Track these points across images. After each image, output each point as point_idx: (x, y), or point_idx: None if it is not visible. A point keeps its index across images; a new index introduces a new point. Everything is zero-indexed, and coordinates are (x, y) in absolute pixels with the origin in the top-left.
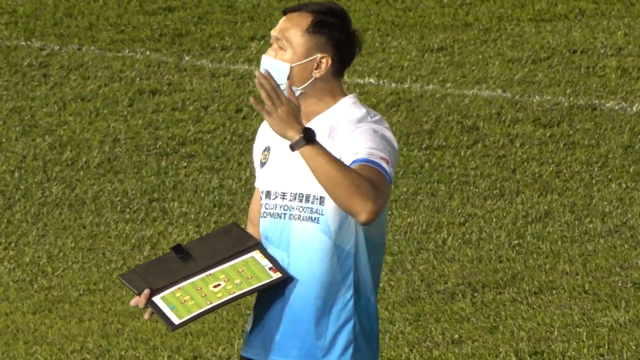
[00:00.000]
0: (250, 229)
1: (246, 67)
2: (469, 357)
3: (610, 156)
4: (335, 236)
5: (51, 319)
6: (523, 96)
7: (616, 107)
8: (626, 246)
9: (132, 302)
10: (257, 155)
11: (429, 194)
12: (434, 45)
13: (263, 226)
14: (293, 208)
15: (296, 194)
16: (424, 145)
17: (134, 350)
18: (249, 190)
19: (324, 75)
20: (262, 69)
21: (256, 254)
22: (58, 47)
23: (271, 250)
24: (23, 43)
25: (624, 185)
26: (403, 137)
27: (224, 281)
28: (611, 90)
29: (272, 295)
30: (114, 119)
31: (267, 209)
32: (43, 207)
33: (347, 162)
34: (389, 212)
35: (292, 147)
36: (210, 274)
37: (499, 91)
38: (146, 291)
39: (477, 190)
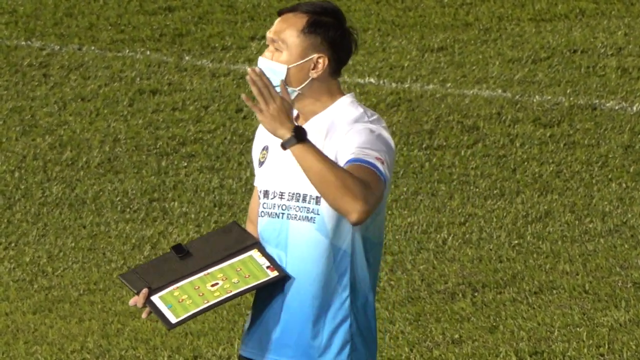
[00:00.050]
0: (249, 228)
1: (246, 67)
2: (469, 357)
3: (610, 156)
4: (331, 236)
5: (51, 319)
6: (523, 96)
7: (616, 107)
8: (626, 246)
9: (131, 302)
10: (255, 154)
11: (429, 193)
12: (434, 45)
13: (261, 225)
14: (290, 208)
15: (294, 194)
16: (424, 145)
17: (134, 350)
18: (249, 190)
19: (321, 75)
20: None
21: (254, 253)
22: (58, 47)
23: (269, 249)
24: (23, 43)
25: (624, 185)
26: (403, 137)
27: (222, 280)
28: (611, 90)
29: (269, 294)
30: (114, 118)
31: (265, 208)
32: (43, 207)
33: (342, 161)
34: (389, 212)
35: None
36: (208, 273)
37: (499, 91)
38: (144, 290)
39: (477, 190)
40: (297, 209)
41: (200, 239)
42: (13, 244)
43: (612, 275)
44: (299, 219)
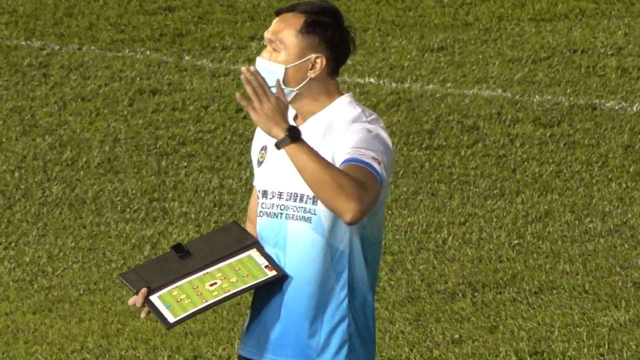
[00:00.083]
0: (249, 228)
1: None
2: (469, 357)
3: (610, 156)
4: (328, 235)
5: (51, 319)
6: (523, 96)
7: (616, 107)
8: (626, 246)
9: (130, 301)
10: (254, 154)
11: (429, 193)
12: (434, 45)
13: (260, 225)
14: (289, 208)
15: (291, 194)
16: (424, 145)
17: (134, 350)
18: (249, 190)
19: (319, 75)
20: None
21: (253, 252)
22: (58, 47)
23: (268, 249)
24: (23, 43)
25: (624, 185)
26: (403, 137)
27: (221, 279)
28: (611, 90)
29: (268, 293)
30: (114, 118)
31: (263, 208)
32: (43, 207)
33: (339, 161)
34: (390, 212)
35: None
36: (207, 273)
37: (499, 91)
38: (143, 290)
39: (477, 190)
40: (295, 208)
41: (200, 238)
42: (13, 244)
43: (612, 275)
44: (297, 219)
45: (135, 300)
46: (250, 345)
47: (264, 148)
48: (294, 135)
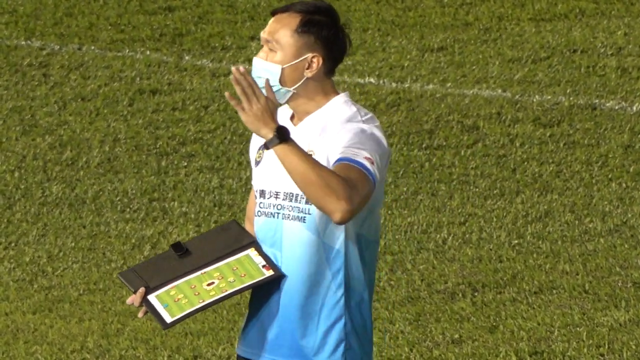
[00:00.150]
0: (248, 227)
1: (247, 67)
2: (469, 357)
3: (610, 156)
4: (323, 235)
5: (51, 319)
6: (523, 96)
7: (616, 107)
8: (626, 246)
9: (128, 301)
10: (252, 154)
11: (429, 193)
12: (434, 45)
13: (258, 225)
14: (284, 207)
15: (287, 194)
16: (424, 145)
17: (134, 350)
18: (249, 190)
19: (316, 74)
20: (253, 72)
21: (251, 252)
22: (58, 47)
23: (265, 249)
24: (23, 43)
25: (624, 184)
26: (403, 137)
27: (218, 279)
28: (611, 90)
29: (265, 293)
30: (114, 118)
31: (261, 207)
32: (43, 207)
33: (332, 160)
34: (389, 212)
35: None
36: (205, 272)
37: (499, 91)
38: (141, 289)
39: (477, 190)
40: (290, 208)
41: (199, 237)
42: (13, 244)
43: (612, 275)
44: (292, 219)
45: (133, 299)
46: (248, 345)
47: (262, 148)
48: (282, 136)
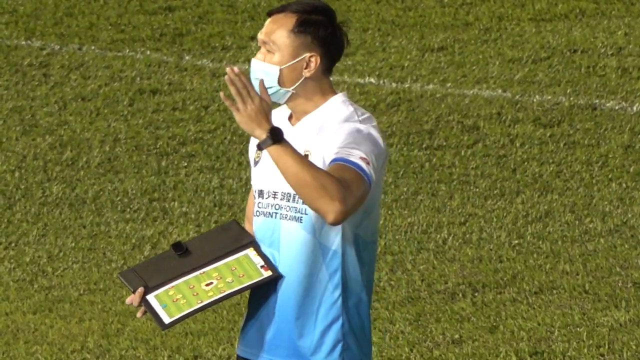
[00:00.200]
0: (248, 227)
1: (247, 67)
2: (470, 357)
3: (610, 156)
4: (319, 235)
5: (51, 319)
6: (523, 96)
7: (616, 107)
8: (626, 246)
9: (127, 300)
10: (251, 154)
11: (429, 193)
12: (434, 45)
13: (256, 225)
14: (282, 207)
15: (285, 193)
16: (424, 145)
17: (134, 350)
18: (249, 190)
19: (314, 74)
20: (252, 73)
21: (250, 252)
22: (58, 47)
23: (264, 249)
24: (23, 42)
25: (624, 185)
26: (403, 137)
27: (217, 279)
28: (611, 90)
29: (263, 293)
30: (115, 118)
31: (259, 207)
32: (43, 207)
33: (328, 161)
34: (390, 212)
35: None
36: (204, 272)
37: (500, 91)
38: (140, 289)
39: (477, 190)
40: (287, 208)
41: (199, 237)
42: (13, 244)
43: (612, 275)
44: (289, 219)
45: (132, 299)
46: (246, 344)
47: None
48: (276, 137)
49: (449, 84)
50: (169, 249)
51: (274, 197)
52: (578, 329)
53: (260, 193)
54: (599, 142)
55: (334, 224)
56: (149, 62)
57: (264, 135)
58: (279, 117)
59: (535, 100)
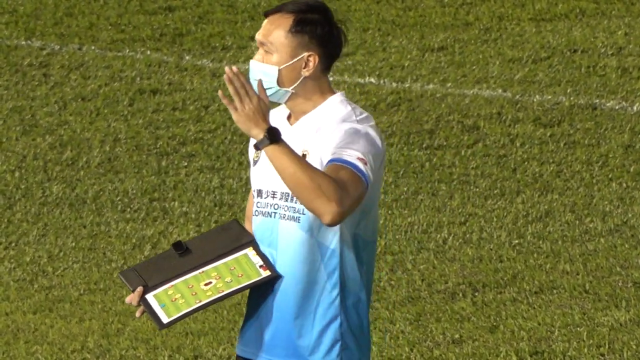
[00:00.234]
0: (248, 227)
1: (247, 67)
2: (470, 357)
3: (610, 156)
4: (317, 235)
5: (52, 319)
6: (523, 96)
7: (617, 107)
8: (627, 246)
9: (127, 300)
10: (251, 153)
11: (429, 193)
12: (434, 44)
13: (255, 225)
14: (281, 207)
15: (284, 193)
16: (424, 145)
17: (135, 350)
18: (249, 189)
19: (313, 73)
20: (251, 74)
21: (249, 252)
22: (58, 47)
23: (263, 248)
24: (23, 42)
25: (624, 184)
26: (404, 137)
27: (215, 279)
28: (612, 90)
29: (262, 293)
30: (115, 118)
31: (258, 207)
32: (43, 207)
33: (325, 161)
34: (390, 212)
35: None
36: (203, 272)
37: (500, 91)
38: (139, 289)
39: (477, 189)
40: (286, 208)
41: (200, 236)
42: (13, 244)
43: (613, 275)
44: (287, 219)
45: (132, 298)
46: (246, 344)
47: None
48: (273, 136)
49: (449, 84)
50: (169, 249)
51: (273, 197)
52: (578, 328)
53: (259, 193)
54: (599, 142)
55: (331, 225)
56: (149, 62)
57: (261, 135)
58: (278, 116)
59: (535, 100)
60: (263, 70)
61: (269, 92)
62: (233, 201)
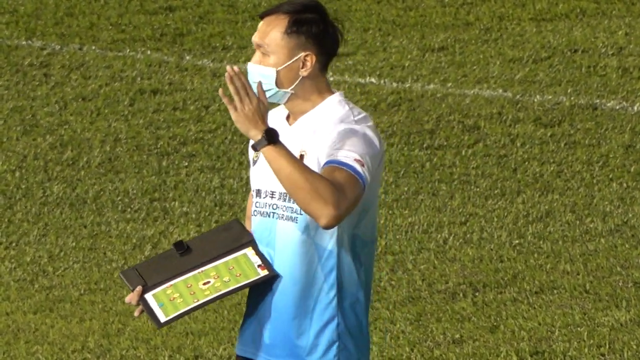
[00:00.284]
0: (248, 226)
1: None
2: (470, 357)
3: (611, 156)
4: (314, 235)
5: (52, 319)
6: (524, 96)
7: (617, 107)
8: (627, 246)
9: (127, 299)
10: (250, 153)
11: (430, 193)
12: (435, 44)
13: (254, 225)
14: (279, 207)
15: (282, 193)
16: (425, 145)
17: (135, 350)
18: (250, 189)
19: (311, 72)
20: (249, 77)
21: (249, 251)
22: (59, 47)
23: (261, 248)
24: (24, 42)
25: (624, 184)
26: (404, 137)
27: (214, 278)
28: (612, 90)
29: (260, 293)
30: (115, 118)
31: (257, 207)
32: (44, 207)
33: (323, 163)
34: (390, 212)
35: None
36: (202, 271)
37: (500, 91)
38: (138, 288)
39: (478, 189)
40: (284, 208)
41: (201, 236)
42: (14, 244)
43: (613, 275)
44: (285, 219)
45: (131, 298)
46: (244, 343)
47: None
48: (271, 138)
49: (449, 84)
50: (170, 248)
51: (272, 197)
52: (579, 328)
53: (258, 192)
54: (600, 142)
55: (327, 227)
56: (149, 62)
57: (259, 136)
58: (277, 117)
59: (535, 100)
60: (261, 73)
61: (268, 94)
62: (233, 201)
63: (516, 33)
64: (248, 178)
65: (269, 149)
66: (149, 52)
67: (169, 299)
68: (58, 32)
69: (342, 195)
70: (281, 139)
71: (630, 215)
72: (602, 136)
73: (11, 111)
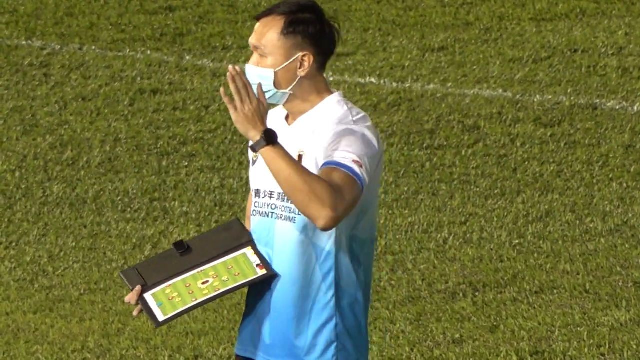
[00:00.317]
0: (248, 225)
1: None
2: (470, 357)
3: (611, 156)
4: (312, 236)
5: (52, 319)
6: (524, 96)
7: (617, 107)
8: (627, 246)
9: (126, 299)
10: (250, 153)
11: (430, 193)
12: (435, 44)
13: (253, 225)
14: (278, 207)
15: (281, 193)
16: (425, 145)
17: (135, 350)
18: (250, 189)
19: (309, 72)
20: (248, 78)
21: (248, 251)
22: (59, 47)
23: (260, 248)
24: (24, 42)
25: (624, 184)
26: (404, 137)
27: (213, 278)
28: (612, 90)
29: (259, 292)
30: (115, 118)
31: (256, 207)
32: (44, 207)
33: (321, 163)
34: (390, 212)
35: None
36: (201, 271)
37: (500, 91)
38: (138, 288)
39: (478, 189)
40: (283, 208)
41: (201, 235)
42: (14, 244)
43: (613, 275)
44: (283, 219)
45: (131, 297)
46: (244, 343)
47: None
48: (269, 139)
49: (449, 84)
50: (170, 248)
51: (270, 197)
52: (579, 328)
53: (257, 192)
54: (600, 142)
55: (325, 229)
56: (149, 62)
57: (257, 136)
58: (276, 117)
59: (535, 100)
60: (259, 74)
61: (267, 95)
62: (233, 201)
63: (516, 33)
64: (248, 178)
65: (268, 150)
66: (149, 52)
67: (167, 299)
68: (58, 32)
69: (340, 197)
70: (280, 139)
71: (630, 215)
72: (602, 136)
73: (11, 111)
